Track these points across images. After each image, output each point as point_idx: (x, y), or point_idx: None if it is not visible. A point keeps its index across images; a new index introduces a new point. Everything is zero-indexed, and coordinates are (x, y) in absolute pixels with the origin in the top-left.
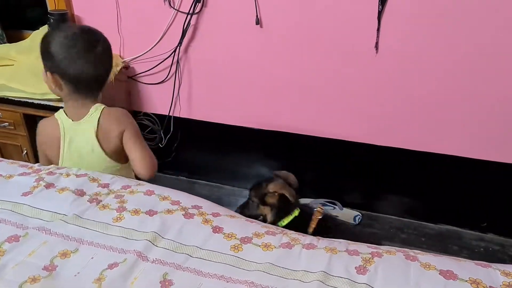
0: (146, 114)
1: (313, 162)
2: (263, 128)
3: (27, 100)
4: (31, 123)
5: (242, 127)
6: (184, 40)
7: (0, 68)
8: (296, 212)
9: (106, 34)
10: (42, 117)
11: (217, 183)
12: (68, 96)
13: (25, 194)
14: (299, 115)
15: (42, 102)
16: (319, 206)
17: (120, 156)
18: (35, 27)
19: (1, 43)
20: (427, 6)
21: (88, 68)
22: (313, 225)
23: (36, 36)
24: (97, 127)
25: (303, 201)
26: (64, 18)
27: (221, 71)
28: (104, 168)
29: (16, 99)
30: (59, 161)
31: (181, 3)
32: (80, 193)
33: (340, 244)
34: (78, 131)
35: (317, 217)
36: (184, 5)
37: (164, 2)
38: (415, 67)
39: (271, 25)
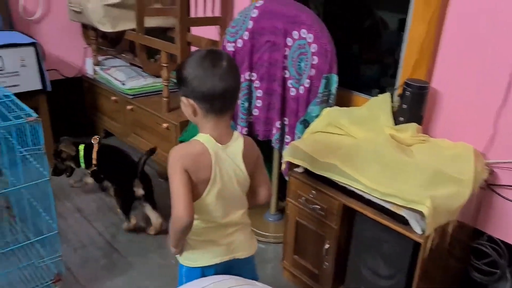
0: (490, 239)
1: None
2: None
3: (355, 191)
4: (349, 217)
5: None
6: None
7: (328, 137)
8: (81, 147)
9: (471, 123)
10: (368, 218)
11: None
12: (204, 119)
13: None
14: None
15: (380, 202)
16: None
17: None
18: (369, 91)
19: (332, 103)
20: None
21: (218, 82)
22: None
23: (374, 105)
24: (243, 149)
25: None
26: (422, 92)
27: None
28: (244, 192)
29: (341, 184)
30: (209, 183)
31: None
32: None
33: None
34: (229, 154)
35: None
36: None
37: None
38: None
39: None
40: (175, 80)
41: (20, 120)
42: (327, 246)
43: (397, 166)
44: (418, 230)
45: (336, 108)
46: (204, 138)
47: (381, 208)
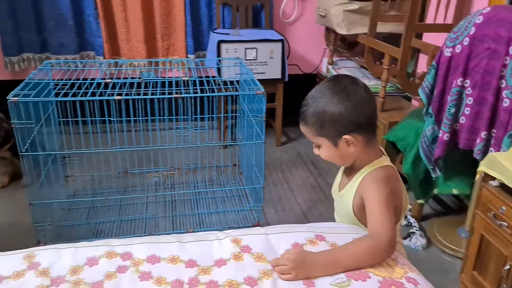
0: None
1: None
2: None
3: None
4: None
5: None
6: None
7: None
8: None
9: None
10: None
11: None
12: (365, 147)
13: None
14: None
15: None
16: None
17: None
18: None
19: None
20: None
21: (369, 104)
22: None
23: None
24: None
25: None
26: None
27: None
28: None
29: None
30: (402, 209)
31: None
32: None
33: None
34: None
35: None
36: None
37: None
38: None
39: None
40: (397, 85)
41: (251, 91)
42: (507, 267)
43: None
44: None
45: None
46: (389, 161)
47: None
